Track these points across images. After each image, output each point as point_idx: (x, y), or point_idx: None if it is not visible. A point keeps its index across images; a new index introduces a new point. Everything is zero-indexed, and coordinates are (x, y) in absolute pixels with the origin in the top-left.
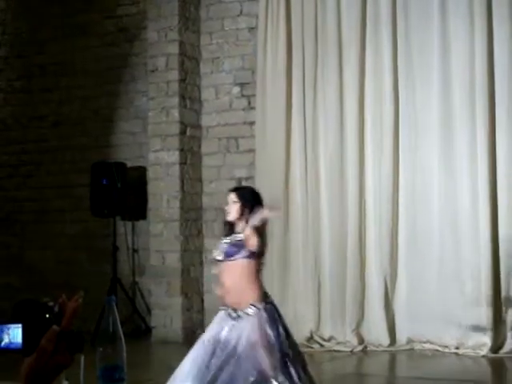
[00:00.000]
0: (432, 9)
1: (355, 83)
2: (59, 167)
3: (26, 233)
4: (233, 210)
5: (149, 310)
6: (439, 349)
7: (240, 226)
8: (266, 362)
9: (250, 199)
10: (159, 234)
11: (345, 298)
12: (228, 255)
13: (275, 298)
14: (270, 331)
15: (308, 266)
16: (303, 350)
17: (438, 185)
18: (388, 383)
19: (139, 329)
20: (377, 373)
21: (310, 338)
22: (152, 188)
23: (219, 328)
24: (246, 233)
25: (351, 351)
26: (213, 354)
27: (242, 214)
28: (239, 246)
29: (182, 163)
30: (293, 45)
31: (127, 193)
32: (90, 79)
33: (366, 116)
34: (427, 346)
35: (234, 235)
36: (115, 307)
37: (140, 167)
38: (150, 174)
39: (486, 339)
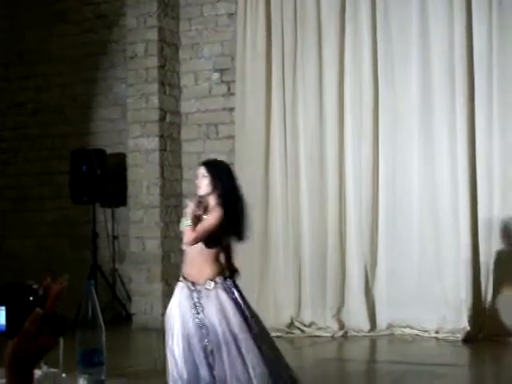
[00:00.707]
0: None
1: (335, 62)
2: (38, 154)
3: (6, 221)
4: (203, 184)
5: (129, 297)
6: (419, 333)
7: (211, 200)
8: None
9: (221, 174)
10: (139, 221)
11: (325, 283)
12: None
13: (255, 284)
14: (229, 304)
15: (288, 252)
16: (284, 335)
17: (417, 162)
18: (368, 368)
19: (119, 316)
20: (357, 358)
21: (291, 324)
22: (132, 175)
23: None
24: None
25: (332, 336)
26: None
27: (212, 189)
28: None
29: (162, 150)
30: (272, 26)
31: (107, 180)
32: (68, 66)
33: (345, 95)
34: (407, 330)
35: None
36: (94, 291)
37: (120, 154)
38: (130, 160)
39: (465, 323)
